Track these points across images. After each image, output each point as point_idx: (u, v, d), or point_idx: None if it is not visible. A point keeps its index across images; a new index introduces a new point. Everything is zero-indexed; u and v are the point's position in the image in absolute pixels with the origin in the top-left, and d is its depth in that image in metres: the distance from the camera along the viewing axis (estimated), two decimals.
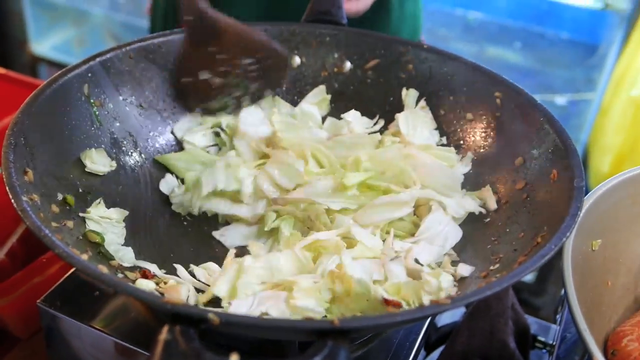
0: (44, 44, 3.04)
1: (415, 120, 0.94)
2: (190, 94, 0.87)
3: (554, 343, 0.88)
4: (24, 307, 0.89)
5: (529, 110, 0.86)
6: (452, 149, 0.93)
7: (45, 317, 0.80)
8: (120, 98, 0.91)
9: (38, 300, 0.80)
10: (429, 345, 0.91)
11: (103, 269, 0.69)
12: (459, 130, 0.94)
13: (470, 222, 0.86)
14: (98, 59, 0.89)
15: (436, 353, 0.91)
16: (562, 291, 0.99)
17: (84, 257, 0.68)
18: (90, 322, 0.78)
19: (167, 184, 0.91)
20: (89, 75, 0.87)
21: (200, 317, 0.55)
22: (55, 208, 0.75)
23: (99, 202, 0.81)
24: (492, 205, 0.85)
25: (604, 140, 2.27)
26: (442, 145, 0.96)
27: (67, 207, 0.78)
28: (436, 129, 0.97)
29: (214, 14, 0.84)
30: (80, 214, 0.79)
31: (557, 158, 0.79)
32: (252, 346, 0.72)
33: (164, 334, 0.54)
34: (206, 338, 0.55)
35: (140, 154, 0.91)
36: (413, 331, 0.83)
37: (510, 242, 0.78)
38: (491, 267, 0.76)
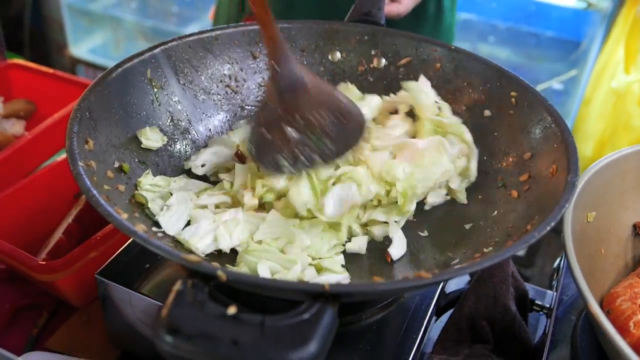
0: (82, 47, 3.04)
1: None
2: (263, 146, 0.80)
3: (551, 306, 0.89)
4: (80, 280, 0.91)
5: (539, 109, 0.85)
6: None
7: (102, 287, 0.82)
8: (179, 82, 0.92)
9: (96, 272, 0.81)
10: (438, 310, 0.91)
11: (140, 227, 0.70)
12: (477, 124, 0.94)
13: (477, 211, 0.86)
14: (161, 47, 0.90)
15: (445, 317, 0.92)
16: (556, 262, 1.00)
17: (124, 216, 0.68)
18: (140, 290, 0.80)
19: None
20: (152, 61, 0.88)
21: (211, 274, 0.57)
22: (110, 174, 0.76)
23: (148, 172, 0.82)
24: None
25: (587, 127, 2.27)
26: None
27: (122, 174, 0.79)
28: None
29: (302, 69, 0.82)
30: (133, 183, 0.80)
31: (558, 154, 0.79)
32: (262, 304, 0.72)
33: (177, 285, 0.56)
34: (221, 295, 0.57)
35: (194, 131, 0.93)
36: (427, 296, 0.83)
37: (506, 228, 0.78)
38: (484, 250, 0.76)
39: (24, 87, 1.38)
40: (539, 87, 2.42)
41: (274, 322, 0.53)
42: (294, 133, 0.78)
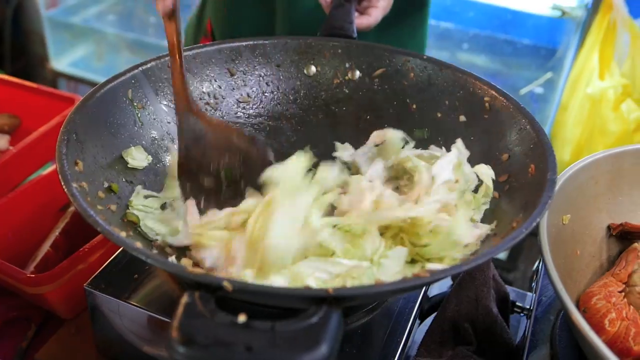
0: (63, 60, 3.03)
1: None
2: (187, 188, 0.86)
3: (531, 307, 0.91)
4: (69, 292, 0.92)
5: (513, 112, 0.88)
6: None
7: (91, 298, 0.83)
8: (160, 102, 0.93)
9: (85, 284, 0.82)
10: (422, 314, 0.93)
11: (139, 244, 0.70)
12: (452, 130, 0.96)
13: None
14: (140, 68, 0.91)
15: (429, 320, 0.94)
16: (535, 264, 1.02)
17: (123, 234, 0.70)
18: (128, 299, 0.81)
19: None
20: (133, 81, 0.90)
21: (217, 284, 0.58)
22: (101, 194, 0.78)
23: (138, 193, 0.84)
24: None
25: (564, 133, 2.30)
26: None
27: (112, 193, 0.80)
28: None
29: (200, 112, 0.85)
30: (124, 202, 0.81)
31: (535, 155, 0.81)
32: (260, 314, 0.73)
33: (185, 298, 0.57)
34: (227, 308, 0.58)
35: (177, 149, 0.93)
36: (410, 300, 0.85)
37: (492, 228, 0.80)
38: (475, 248, 0.78)
39: (7, 102, 1.38)
40: (521, 92, 2.45)
41: (284, 327, 0.54)
42: (207, 179, 0.85)
